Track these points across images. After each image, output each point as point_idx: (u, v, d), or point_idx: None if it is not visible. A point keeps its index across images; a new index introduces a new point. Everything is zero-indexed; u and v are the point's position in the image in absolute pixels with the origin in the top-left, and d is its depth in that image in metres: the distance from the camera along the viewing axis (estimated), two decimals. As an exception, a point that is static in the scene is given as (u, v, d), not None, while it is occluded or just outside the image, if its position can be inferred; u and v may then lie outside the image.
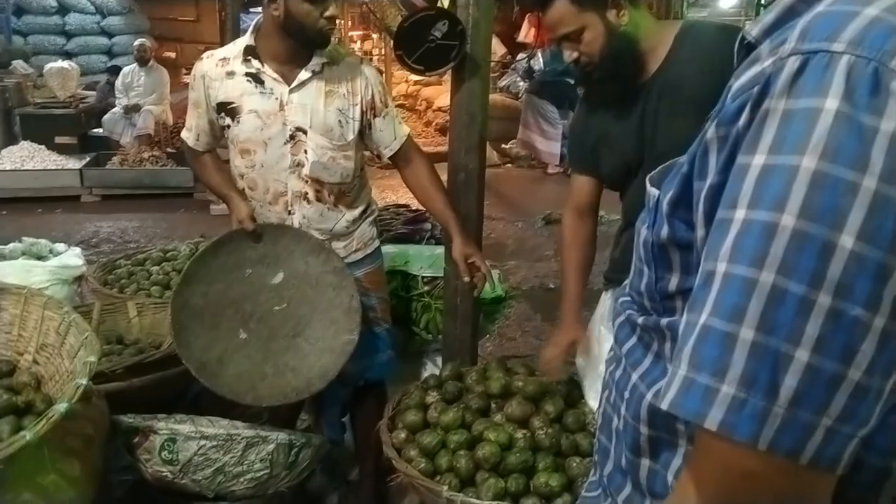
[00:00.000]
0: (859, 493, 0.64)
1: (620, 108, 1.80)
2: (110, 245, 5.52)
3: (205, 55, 2.14)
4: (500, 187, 7.57)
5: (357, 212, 2.20)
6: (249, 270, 2.11)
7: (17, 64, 8.87)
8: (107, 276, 3.07)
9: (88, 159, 7.19)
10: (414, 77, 10.85)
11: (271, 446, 1.90)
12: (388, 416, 1.99)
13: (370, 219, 2.27)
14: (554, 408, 1.89)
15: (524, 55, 10.09)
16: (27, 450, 1.40)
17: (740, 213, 0.57)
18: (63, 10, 10.79)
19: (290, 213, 2.12)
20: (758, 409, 0.55)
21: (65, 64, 8.85)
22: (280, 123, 2.04)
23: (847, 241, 0.53)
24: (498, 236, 5.93)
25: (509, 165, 8.87)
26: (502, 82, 10.63)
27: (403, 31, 1.95)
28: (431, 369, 2.56)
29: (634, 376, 0.78)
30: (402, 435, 1.91)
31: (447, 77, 2.26)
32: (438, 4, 1.99)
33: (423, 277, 2.56)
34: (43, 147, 7.12)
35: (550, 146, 8.32)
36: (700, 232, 0.65)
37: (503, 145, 9.03)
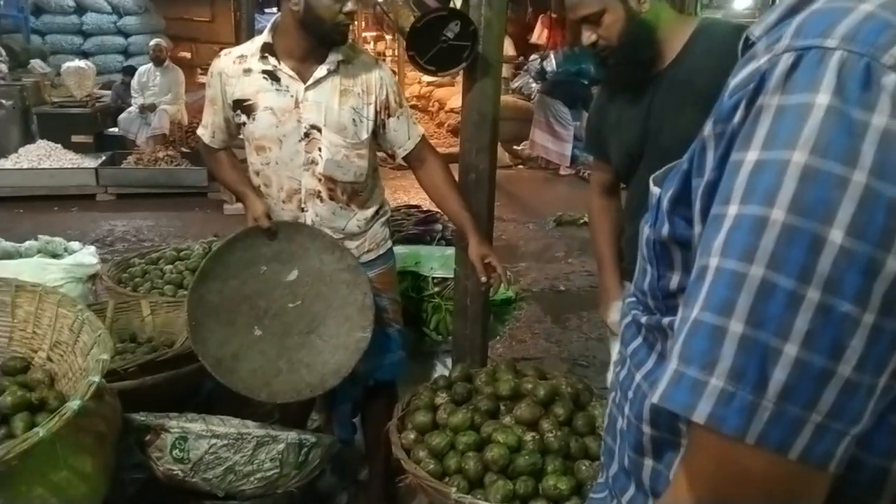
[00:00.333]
0: (859, 493, 0.63)
1: (631, 96, 1.82)
2: (125, 244, 5.56)
3: (222, 52, 2.16)
4: (511, 188, 7.56)
5: (370, 212, 2.21)
6: (264, 267, 2.12)
7: (35, 63, 8.96)
8: (121, 275, 3.09)
9: (104, 158, 7.24)
10: (427, 78, 10.86)
11: (281, 446, 1.91)
12: (397, 416, 1.99)
13: (383, 219, 2.28)
14: (563, 410, 1.89)
15: (537, 56, 10.07)
16: (40, 446, 1.42)
17: (733, 209, 0.58)
18: (80, 10, 10.90)
19: (303, 210, 2.13)
20: (746, 402, 0.56)
21: (81, 63, 8.94)
22: (295, 121, 2.05)
23: (836, 235, 0.53)
24: (509, 238, 5.93)
25: (521, 167, 8.86)
26: (514, 83, 10.63)
27: (416, 32, 1.96)
28: (441, 370, 2.56)
29: (638, 376, 0.78)
30: (412, 436, 1.91)
31: (460, 78, 2.26)
32: (451, 5, 1.99)
33: (433, 278, 2.57)
34: (59, 146, 7.18)
35: (562, 147, 8.30)
36: (697, 228, 0.66)
37: (515, 146, 9.02)
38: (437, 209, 2.77)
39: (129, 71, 8.37)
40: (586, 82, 8.40)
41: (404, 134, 2.16)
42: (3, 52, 8.10)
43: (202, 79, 9.39)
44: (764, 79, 0.58)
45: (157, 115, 7.73)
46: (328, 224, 2.15)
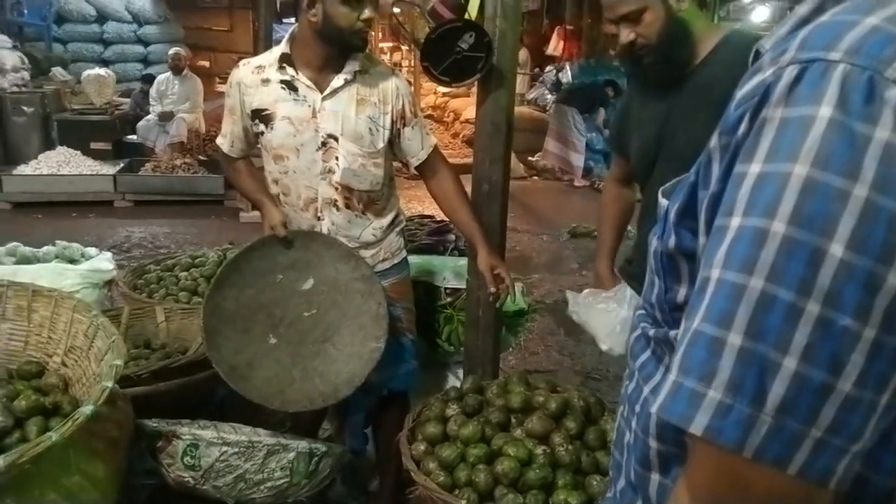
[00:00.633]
0: None
1: (653, 96, 1.84)
2: (141, 250, 5.60)
3: (241, 63, 2.18)
4: (526, 199, 7.56)
5: (385, 221, 2.22)
6: (280, 276, 2.13)
7: (57, 71, 9.09)
8: (136, 281, 3.12)
9: (122, 165, 7.32)
10: (442, 89, 10.91)
11: (292, 454, 1.91)
12: (408, 427, 1.99)
13: (398, 229, 2.29)
14: (575, 424, 1.88)
15: (552, 68, 10.08)
16: (53, 450, 1.43)
17: (735, 221, 0.58)
18: (101, 19, 11.05)
19: (319, 219, 2.15)
20: (743, 415, 0.55)
21: (101, 71, 9.05)
22: (312, 130, 2.07)
23: (836, 249, 0.53)
24: (523, 249, 5.92)
25: (536, 178, 8.87)
26: (530, 95, 10.65)
27: (430, 43, 1.97)
28: (453, 381, 2.55)
29: (646, 390, 0.78)
30: (422, 447, 1.90)
31: (475, 89, 2.27)
32: (466, 16, 2.00)
33: (445, 289, 2.56)
34: (78, 152, 7.26)
35: (576, 158, 8.30)
36: (702, 240, 0.65)
37: (530, 157, 9.03)
38: (447, 219, 2.77)
39: (148, 79, 8.47)
40: (604, 86, 8.41)
41: (418, 143, 2.18)
42: (26, 60, 8.21)
43: (220, 87, 9.50)
44: (768, 91, 0.58)
45: (175, 123, 7.81)
46: (344, 233, 2.16)
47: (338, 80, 2.06)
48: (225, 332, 2.05)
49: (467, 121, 10.13)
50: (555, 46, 11.14)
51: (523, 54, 9.97)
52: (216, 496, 1.88)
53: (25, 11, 10.09)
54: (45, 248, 3.21)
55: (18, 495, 1.45)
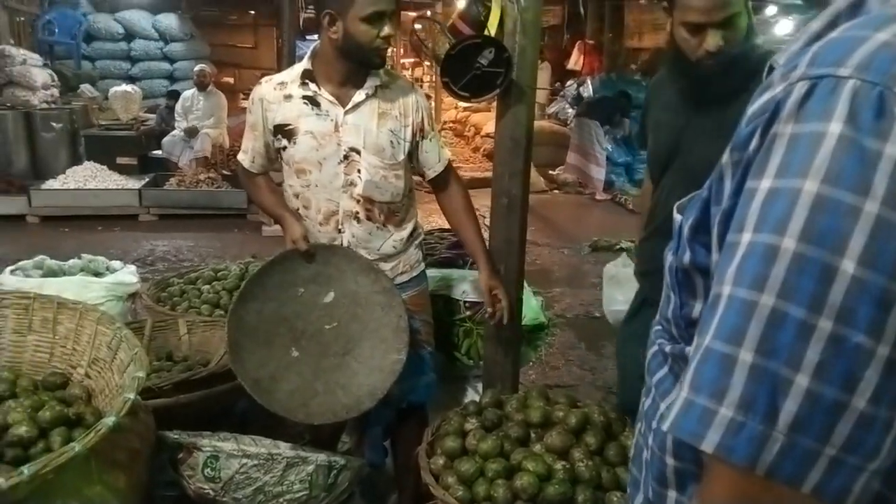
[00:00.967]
0: None
1: (675, 102, 1.89)
2: (165, 263, 5.67)
3: (263, 80, 2.21)
4: (546, 213, 7.54)
5: (405, 233, 2.24)
6: (302, 289, 2.15)
7: (85, 87, 9.27)
8: (160, 294, 3.15)
9: (147, 180, 7.42)
10: (463, 104, 10.96)
11: (311, 467, 1.91)
12: (427, 441, 1.98)
13: (417, 241, 2.31)
14: (595, 440, 1.86)
15: (573, 82, 10.09)
16: (75, 461, 1.44)
17: (746, 237, 0.58)
18: (129, 37, 11.27)
19: (340, 231, 2.17)
20: (755, 432, 0.55)
21: (128, 88, 9.21)
22: (335, 144, 2.10)
23: (848, 265, 0.52)
24: (543, 263, 5.90)
25: (556, 191, 8.85)
26: (551, 109, 10.66)
27: (450, 59, 1.98)
28: (472, 395, 2.55)
29: (663, 406, 0.77)
30: (441, 461, 1.90)
31: (495, 104, 2.28)
32: (485, 32, 2.01)
33: (465, 302, 2.56)
34: (105, 167, 7.38)
35: (597, 172, 8.27)
36: (715, 256, 0.65)
37: (551, 171, 9.02)
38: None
39: (174, 95, 8.60)
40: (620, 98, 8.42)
41: (435, 156, 2.23)
42: (56, 78, 8.38)
43: (244, 103, 9.61)
44: (779, 107, 0.58)
45: (200, 139, 7.92)
46: (364, 245, 2.18)
47: (359, 95, 2.09)
48: (248, 346, 2.06)
49: (488, 135, 10.15)
50: (576, 61, 11.16)
51: (545, 71, 10.00)
52: (236, 508, 1.88)
53: (56, 30, 10.31)
54: (70, 262, 3.27)
55: (41, 505, 1.47)
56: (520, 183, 2.22)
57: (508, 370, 2.37)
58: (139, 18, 11.27)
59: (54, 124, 7.60)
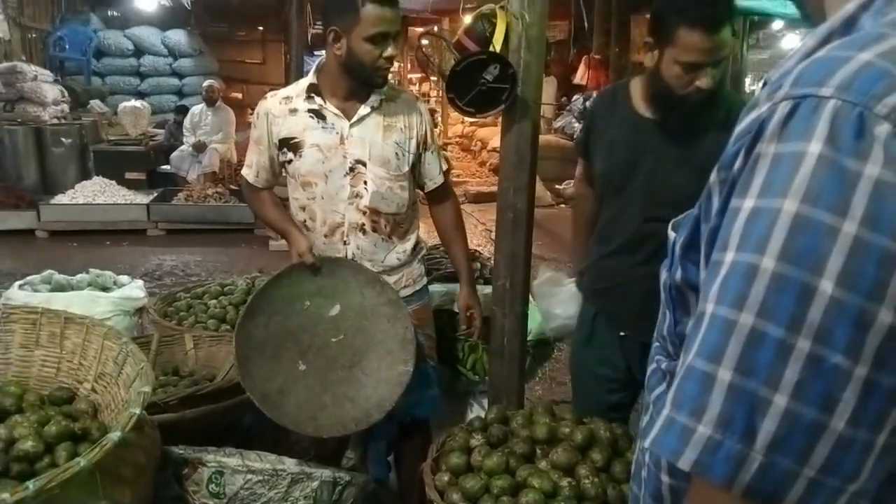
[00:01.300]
0: None
1: (642, 127, 1.99)
2: (172, 278, 5.69)
3: (268, 94, 2.25)
4: (552, 227, 7.53)
5: (409, 244, 2.27)
6: (308, 302, 2.16)
7: (95, 103, 9.35)
8: (166, 308, 3.16)
9: (155, 195, 7.47)
10: (469, 118, 11.01)
11: (316, 483, 1.91)
12: (431, 457, 1.98)
13: (420, 256, 2.34)
14: (601, 456, 1.85)
15: (579, 96, 10.11)
16: (81, 476, 1.44)
17: (729, 255, 0.58)
18: (139, 53, 11.38)
19: (345, 243, 2.18)
20: (733, 451, 0.54)
21: (137, 103, 9.30)
22: (340, 156, 2.12)
23: (826, 285, 0.52)
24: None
25: (563, 206, 8.84)
26: (557, 123, 10.69)
27: (455, 75, 1.99)
28: (478, 411, 2.54)
29: None
30: (446, 477, 1.89)
31: (501, 118, 2.29)
32: (490, 49, 2.02)
33: (470, 317, 2.56)
34: (114, 182, 7.44)
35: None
36: (703, 274, 0.65)
37: (557, 186, 9.02)
38: (475, 248, 2.79)
39: (182, 110, 8.67)
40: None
41: (436, 168, 2.30)
42: (66, 93, 8.46)
43: (252, 118, 9.68)
44: (763, 126, 0.58)
45: (208, 154, 7.97)
46: (369, 257, 2.19)
47: (364, 109, 2.13)
48: (256, 360, 2.07)
49: (494, 149, 10.19)
50: (582, 75, 11.19)
51: (551, 86, 10.03)
52: (240, 524, 1.88)
53: (67, 47, 10.41)
54: (78, 276, 3.28)
55: (46, 520, 1.46)
56: (525, 197, 2.22)
57: (514, 386, 2.36)
58: (148, 35, 11.38)
59: (64, 139, 7.66)
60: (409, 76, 13.39)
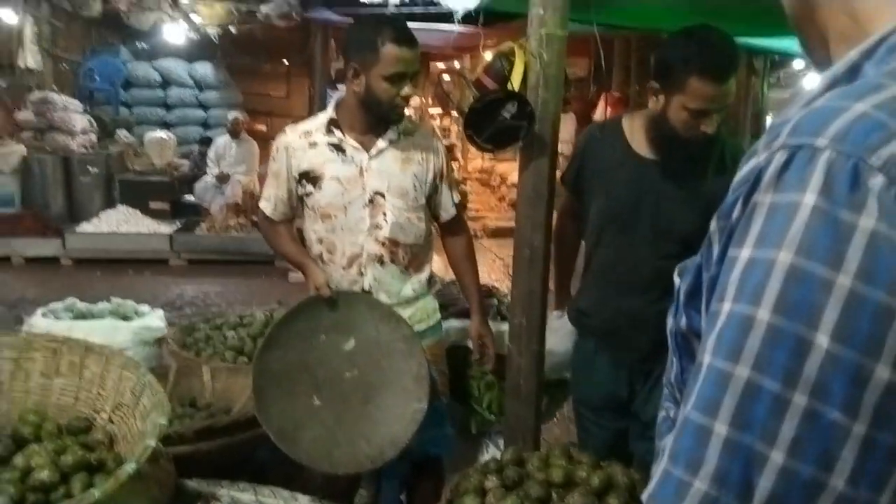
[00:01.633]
0: None
1: (645, 168, 2.05)
2: (193, 308, 5.73)
3: (288, 129, 2.29)
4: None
5: (424, 276, 2.30)
6: (323, 336, 2.16)
7: (121, 133, 9.53)
8: (185, 339, 3.17)
9: (179, 225, 7.55)
10: (487, 154, 11.06)
11: (328, 520, 1.89)
12: (446, 498, 1.95)
13: (434, 289, 2.37)
14: (618, 502, 1.82)
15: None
16: (94, 508, 1.45)
17: (726, 306, 0.57)
18: (166, 84, 11.60)
19: (361, 274, 2.20)
20: None
21: (163, 134, 9.46)
22: (360, 188, 2.16)
23: (822, 339, 0.51)
24: (569, 313, 5.84)
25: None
26: (577, 159, 10.65)
27: (473, 112, 2.02)
28: (493, 451, 2.51)
29: None
30: (460, 518, 1.86)
31: (519, 155, 2.31)
32: (509, 86, 2.05)
33: (486, 354, 2.54)
34: (138, 211, 7.53)
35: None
36: (703, 323, 0.65)
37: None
38: (492, 284, 2.79)
39: (207, 142, 8.80)
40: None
41: (449, 200, 2.35)
42: (94, 123, 8.64)
43: (272, 152, 9.81)
44: (760, 175, 0.58)
45: (231, 185, 8.07)
46: (385, 288, 2.21)
47: (382, 142, 2.19)
48: (272, 394, 2.07)
49: (513, 184, 10.16)
50: (602, 112, 11.22)
51: (570, 122, 10.07)
52: (251, 560, 1.86)
53: (97, 77, 10.65)
54: (100, 305, 3.32)
55: (59, 552, 1.46)
56: (542, 234, 2.23)
57: (530, 426, 2.33)
58: (176, 66, 11.61)
59: (91, 168, 7.80)
60: (431, 111, 13.52)
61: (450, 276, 2.72)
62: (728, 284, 0.57)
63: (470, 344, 2.53)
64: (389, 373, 2.15)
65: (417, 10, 6.35)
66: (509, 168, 10.93)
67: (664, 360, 0.83)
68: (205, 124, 11.60)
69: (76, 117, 8.17)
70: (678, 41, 1.94)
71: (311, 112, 6.94)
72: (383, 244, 2.19)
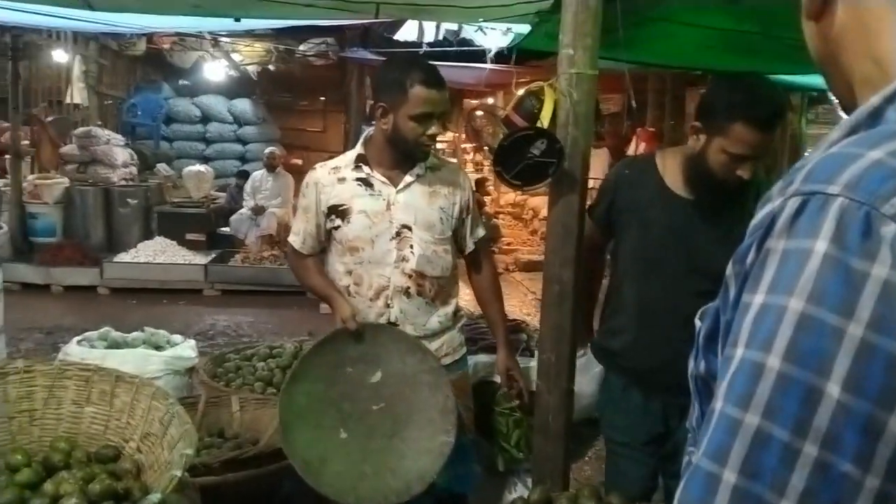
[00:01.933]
0: None
1: (680, 207, 2.05)
2: (225, 338, 5.79)
3: (317, 165, 2.36)
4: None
5: (450, 308, 2.31)
6: (350, 369, 2.17)
7: (161, 167, 9.78)
8: (216, 369, 3.21)
9: (214, 255, 7.68)
10: (517, 191, 11.08)
11: (351, 555, 1.87)
12: (471, 535, 1.93)
13: (460, 324, 2.38)
14: (646, 542, 1.77)
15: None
16: (119, 538, 1.46)
17: (739, 352, 0.56)
18: (205, 120, 11.92)
19: (388, 306, 2.21)
20: None
21: (201, 168, 9.67)
22: (387, 221, 2.19)
23: (833, 389, 0.50)
24: (600, 349, 5.77)
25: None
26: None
27: (503, 149, 2.03)
28: (521, 490, 2.47)
29: None
30: (484, 557, 1.83)
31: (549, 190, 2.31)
32: (538, 124, 2.06)
33: (515, 390, 2.52)
34: (174, 242, 7.68)
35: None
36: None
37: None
38: (523, 318, 2.78)
39: (244, 175, 8.98)
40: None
41: (476, 232, 2.39)
42: (135, 157, 8.88)
43: (302, 188, 9.96)
44: (773, 221, 0.57)
45: (266, 217, 8.19)
46: (411, 320, 2.22)
47: (410, 176, 2.23)
48: (298, 427, 2.08)
49: (545, 218, 10.19)
50: (636, 148, 11.21)
51: (603, 157, 10.06)
52: None
53: (139, 113, 11.00)
54: (133, 334, 3.38)
55: (83, 581, 1.47)
56: (571, 270, 2.21)
57: (559, 466, 2.29)
58: (216, 103, 11.94)
59: (130, 200, 8.00)
60: (464, 145, 13.63)
61: (479, 310, 2.72)
62: (741, 330, 0.57)
63: (498, 379, 2.51)
64: (416, 405, 2.15)
65: (451, 49, 6.44)
66: (541, 202, 10.93)
67: None
68: (242, 158, 11.87)
69: (118, 151, 8.41)
70: (727, 85, 1.98)
71: (346, 147, 7.05)
72: (410, 276, 2.21)
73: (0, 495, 1.69)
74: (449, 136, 13.09)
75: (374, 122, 2.29)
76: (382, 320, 2.22)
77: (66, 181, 7.88)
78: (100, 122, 9.59)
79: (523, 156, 2.02)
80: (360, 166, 2.24)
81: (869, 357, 0.50)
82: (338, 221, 2.22)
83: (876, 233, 0.52)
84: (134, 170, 8.71)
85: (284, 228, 8.49)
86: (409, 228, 2.21)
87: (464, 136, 12.76)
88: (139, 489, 1.75)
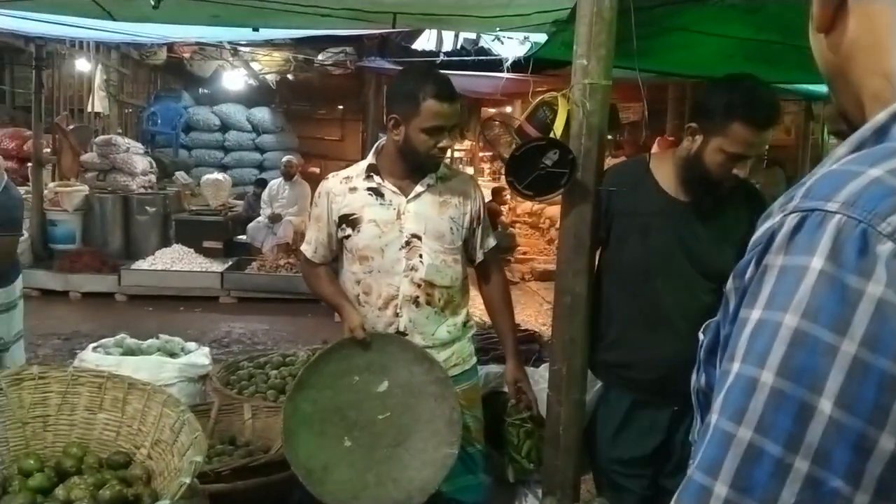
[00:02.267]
0: None
1: (675, 212, 2.06)
2: (240, 345, 5.82)
3: (330, 175, 2.38)
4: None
5: (460, 319, 2.31)
6: (357, 377, 2.17)
7: (179, 175, 9.88)
8: (229, 377, 3.22)
9: (230, 263, 7.73)
10: (528, 201, 11.05)
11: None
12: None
13: (470, 334, 2.37)
14: (656, 556, 1.75)
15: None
16: (127, 545, 1.46)
17: (734, 366, 0.56)
18: (224, 128, 12.03)
19: (397, 315, 2.21)
20: None
21: (219, 176, 9.76)
22: (397, 231, 2.20)
23: (825, 405, 0.50)
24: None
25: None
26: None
27: (515, 159, 2.03)
28: (531, 501, 2.45)
29: None
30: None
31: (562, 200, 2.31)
32: (551, 135, 2.06)
33: (526, 401, 2.50)
34: (192, 250, 7.74)
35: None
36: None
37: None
38: (536, 328, 2.77)
39: (261, 183, 9.04)
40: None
41: (486, 242, 2.39)
42: (154, 165, 8.97)
43: (314, 198, 10.01)
44: (772, 237, 0.58)
45: (283, 226, 8.24)
46: (420, 330, 2.22)
47: (420, 186, 2.24)
48: (302, 434, 2.08)
49: (562, 228, 10.16)
50: (654, 157, 11.15)
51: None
52: None
53: (159, 121, 11.12)
54: (148, 341, 3.40)
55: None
56: (584, 281, 2.20)
57: (569, 478, 2.27)
58: (235, 111, 12.04)
59: (149, 208, 8.08)
60: (481, 154, 13.65)
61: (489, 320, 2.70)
62: (737, 345, 0.57)
63: (507, 389, 2.50)
64: (422, 416, 2.15)
65: (468, 58, 6.46)
66: (558, 211, 10.89)
67: None
68: (261, 167, 11.95)
69: (137, 159, 8.50)
70: (724, 86, 1.98)
71: (363, 155, 7.07)
72: (419, 286, 2.21)
73: (13, 499, 1.70)
74: (466, 144, 13.11)
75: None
76: (391, 330, 2.23)
77: (85, 189, 7.98)
78: (120, 131, 9.71)
79: (535, 166, 2.01)
80: (372, 176, 2.25)
81: (862, 374, 0.50)
82: (348, 230, 2.24)
83: (872, 251, 0.52)
84: (153, 178, 8.80)
85: (301, 237, 8.47)
86: (419, 238, 2.21)
87: (481, 145, 12.77)
88: (149, 495, 1.76)
